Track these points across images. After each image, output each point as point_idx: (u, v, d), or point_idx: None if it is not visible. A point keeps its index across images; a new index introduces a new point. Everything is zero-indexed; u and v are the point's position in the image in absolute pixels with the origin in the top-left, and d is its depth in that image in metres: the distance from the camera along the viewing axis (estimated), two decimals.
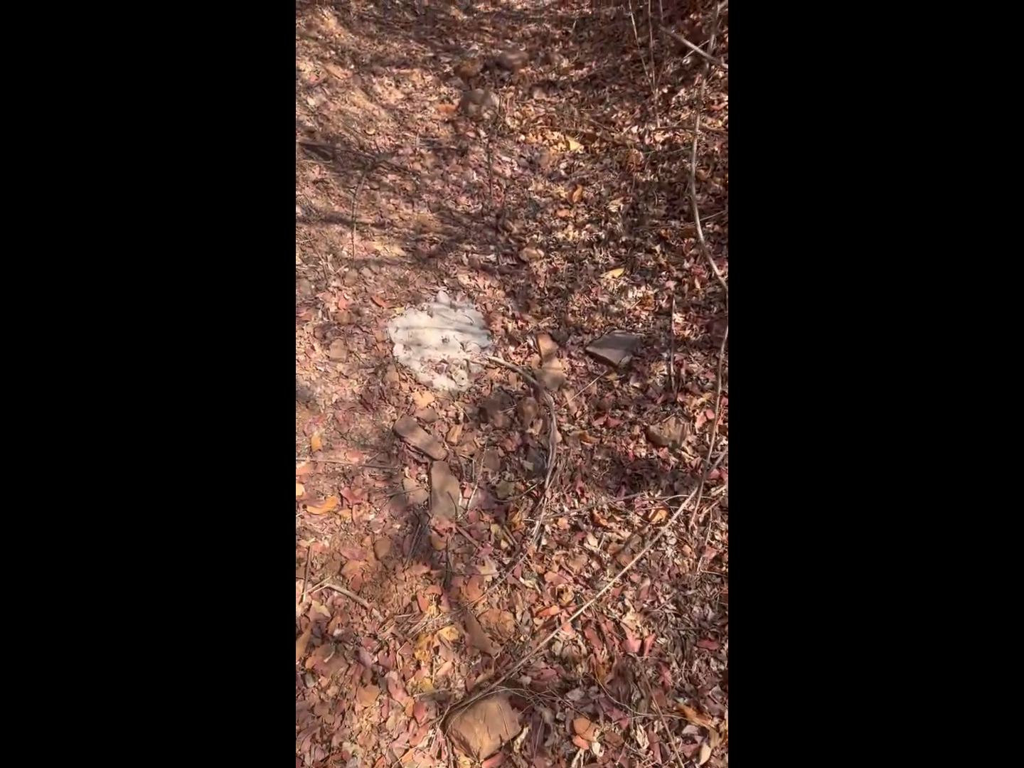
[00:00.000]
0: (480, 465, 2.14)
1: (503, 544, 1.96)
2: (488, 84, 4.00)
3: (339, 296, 2.47)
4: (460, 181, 3.16)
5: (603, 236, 2.89)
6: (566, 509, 2.05)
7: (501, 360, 2.43)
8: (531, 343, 2.49)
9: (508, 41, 4.53)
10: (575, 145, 3.48)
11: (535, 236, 2.94)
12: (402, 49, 4.16)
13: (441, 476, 2.08)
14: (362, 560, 1.88)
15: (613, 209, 3.00)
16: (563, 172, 3.33)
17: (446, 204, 3.02)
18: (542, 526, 1.99)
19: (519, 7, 5.03)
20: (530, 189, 3.20)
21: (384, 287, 2.58)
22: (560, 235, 2.95)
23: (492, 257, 2.81)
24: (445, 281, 2.68)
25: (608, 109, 3.66)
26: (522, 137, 3.54)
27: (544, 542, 1.97)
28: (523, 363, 2.44)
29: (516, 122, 3.66)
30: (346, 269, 2.56)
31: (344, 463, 2.06)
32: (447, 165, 3.22)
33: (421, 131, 3.42)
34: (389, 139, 3.26)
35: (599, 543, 1.96)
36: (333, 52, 3.60)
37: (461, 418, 2.25)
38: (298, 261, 2.46)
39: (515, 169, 3.33)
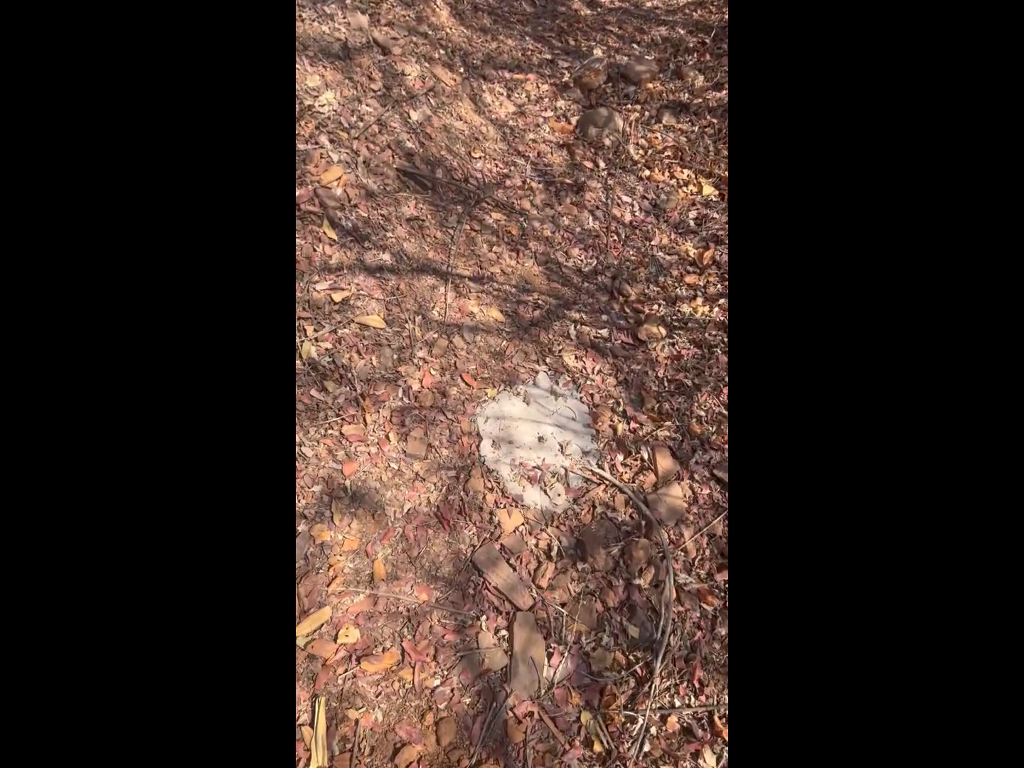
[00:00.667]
0: (574, 623, 1.73)
1: (596, 745, 1.56)
2: (610, 99, 3.50)
3: (424, 371, 2.07)
4: (573, 227, 2.70)
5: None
6: (678, 703, 1.63)
7: (607, 474, 1.99)
8: (645, 456, 2.05)
9: (635, 46, 4.00)
10: (708, 189, 2.97)
11: (656, 307, 2.48)
12: (516, 48, 3.70)
13: (525, 634, 1.68)
14: (420, 744, 1.51)
15: None
16: (692, 223, 2.84)
17: (555, 256, 2.57)
18: (646, 726, 1.57)
19: (649, 4, 4.48)
20: (653, 243, 2.72)
21: (476, 361, 2.17)
22: (686, 308, 2.47)
23: (604, 332, 2.36)
24: (547, 360, 2.25)
25: None
26: (646, 172, 3.05)
27: (647, 747, 1.56)
28: (633, 481, 2.01)
29: (640, 152, 3.16)
30: (435, 335, 2.16)
31: (410, 601, 1.68)
32: (559, 204, 2.76)
33: (532, 156, 2.96)
34: (496, 165, 2.82)
35: (719, 764, 1.54)
36: (442, 51, 3.16)
37: (554, 552, 1.84)
38: (382, 324, 2.08)
39: (636, 213, 2.85)
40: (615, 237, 2.71)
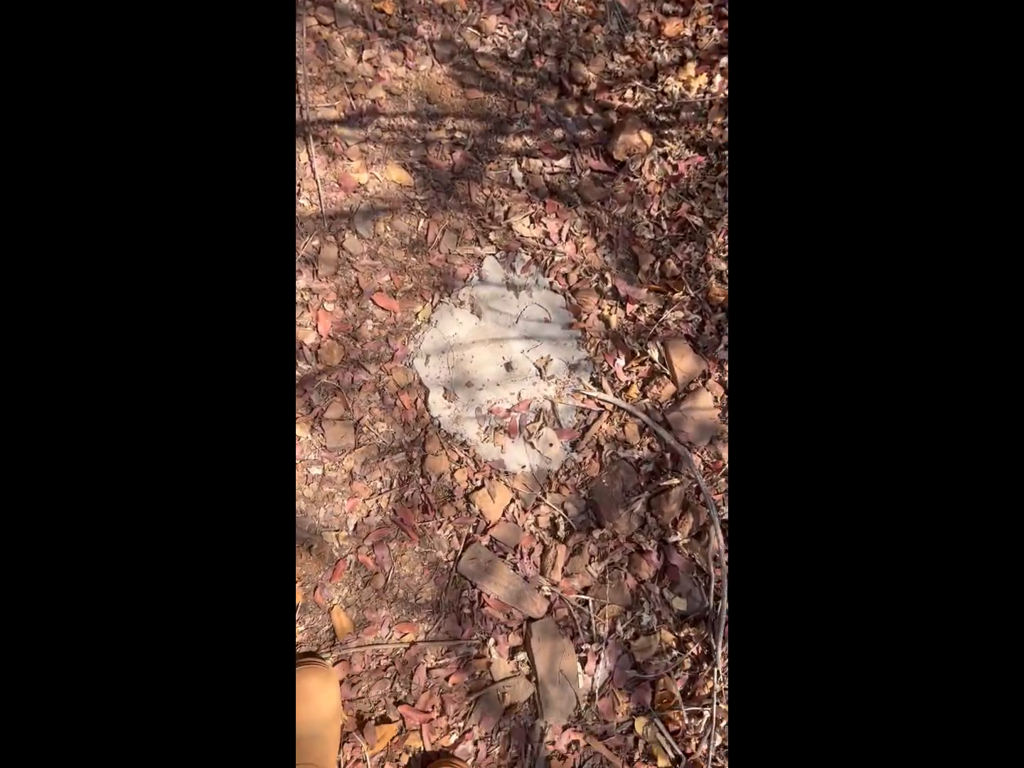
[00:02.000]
0: (604, 609, 1.35)
1: (660, 758, 1.30)
2: None
3: (315, 310, 1.38)
4: None
5: None
6: None
7: (608, 396, 1.45)
8: (655, 355, 1.47)
9: None
10: None
11: (629, 92, 1.64)
12: None
13: (547, 647, 1.31)
14: None
15: None
16: None
17: (464, 39, 1.63)
18: (715, 719, 1.30)
19: None
20: None
21: (389, 267, 1.45)
22: (674, 85, 1.64)
23: (564, 162, 1.58)
24: (491, 235, 1.52)
25: None
26: None
27: (719, 739, 1.30)
28: (644, 395, 1.47)
29: None
30: (316, 243, 1.41)
31: (392, 648, 1.28)
32: None
33: None
34: None
35: None
36: None
37: (561, 528, 1.38)
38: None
39: None
40: None
